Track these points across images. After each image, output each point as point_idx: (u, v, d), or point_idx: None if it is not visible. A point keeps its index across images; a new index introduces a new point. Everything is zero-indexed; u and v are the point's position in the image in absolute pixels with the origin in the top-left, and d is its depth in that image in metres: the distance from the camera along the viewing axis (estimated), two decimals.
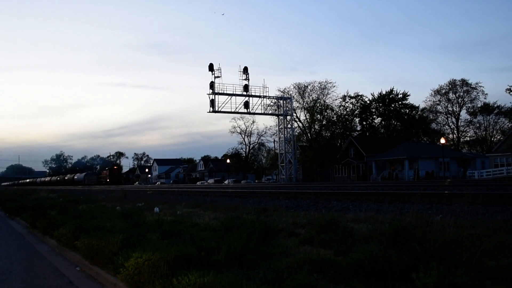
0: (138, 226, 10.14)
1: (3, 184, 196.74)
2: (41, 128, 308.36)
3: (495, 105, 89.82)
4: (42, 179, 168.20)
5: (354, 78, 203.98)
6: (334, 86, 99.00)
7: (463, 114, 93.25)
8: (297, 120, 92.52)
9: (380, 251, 5.54)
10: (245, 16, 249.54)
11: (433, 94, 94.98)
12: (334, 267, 5.58)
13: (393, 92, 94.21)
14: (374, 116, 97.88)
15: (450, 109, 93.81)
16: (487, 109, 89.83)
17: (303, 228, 9.37)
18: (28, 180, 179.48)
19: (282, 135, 77.16)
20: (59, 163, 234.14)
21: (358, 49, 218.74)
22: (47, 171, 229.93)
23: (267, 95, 72.81)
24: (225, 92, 67.97)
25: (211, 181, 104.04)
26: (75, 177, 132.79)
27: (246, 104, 70.04)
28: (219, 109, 68.03)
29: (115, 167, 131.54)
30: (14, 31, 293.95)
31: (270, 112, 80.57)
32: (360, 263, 5.34)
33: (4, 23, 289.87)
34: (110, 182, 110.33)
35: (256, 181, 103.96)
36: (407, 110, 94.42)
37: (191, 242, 7.14)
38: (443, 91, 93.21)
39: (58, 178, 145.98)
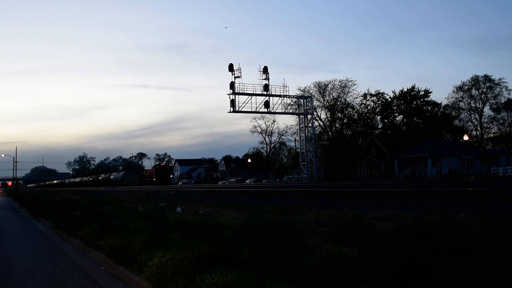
0: (161, 226, 10.21)
1: (28, 186, 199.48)
2: (64, 130, 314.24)
3: None
4: (72, 180, 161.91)
5: (375, 75, 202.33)
6: (355, 84, 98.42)
7: (487, 111, 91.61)
8: (317, 118, 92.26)
9: (403, 249, 5.50)
10: (264, 15, 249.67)
11: (455, 90, 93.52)
12: (357, 264, 5.56)
13: (415, 89, 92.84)
14: (396, 114, 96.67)
15: (473, 105, 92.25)
16: (511, 105, 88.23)
17: (325, 226, 9.33)
18: (55, 182, 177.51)
19: (303, 134, 76.79)
20: (82, 165, 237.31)
21: (380, 47, 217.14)
22: (71, 172, 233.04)
23: (287, 94, 72.57)
24: (245, 92, 67.89)
25: (232, 180, 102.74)
26: (111, 176, 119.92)
27: (267, 104, 69.89)
28: (240, 109, 68.00)
29: (162, 164, 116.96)
30: (37, 35, 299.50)
31: (290, 111, 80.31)
32: (383, 260, 5.31)
33: (28, 27, 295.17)
34: (157, 182, 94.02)
35: (278, 180, 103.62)
36: (429, 107, 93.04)
37: (214, 241, 7.16)
38: (466, 88, 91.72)
39: (91, 179, 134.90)
